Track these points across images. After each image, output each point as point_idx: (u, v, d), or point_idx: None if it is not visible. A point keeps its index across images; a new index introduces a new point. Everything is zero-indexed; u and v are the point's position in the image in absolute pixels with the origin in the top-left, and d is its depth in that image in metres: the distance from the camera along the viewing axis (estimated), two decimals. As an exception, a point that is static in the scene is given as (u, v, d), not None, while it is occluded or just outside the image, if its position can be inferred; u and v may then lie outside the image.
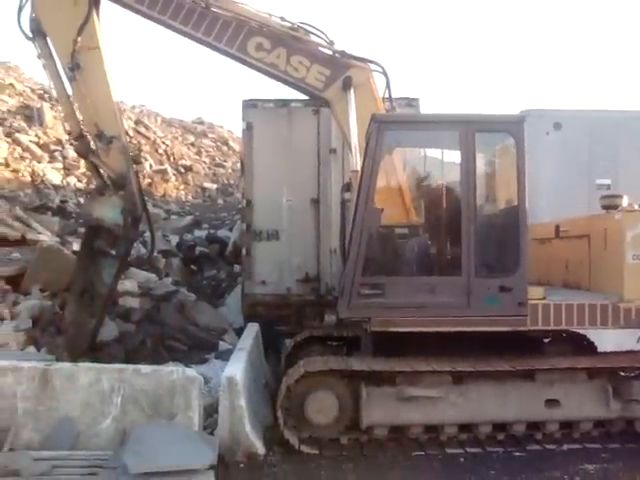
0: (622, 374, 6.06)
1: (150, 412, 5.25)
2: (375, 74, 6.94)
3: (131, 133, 19.63)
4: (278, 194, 8.77)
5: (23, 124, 15.71)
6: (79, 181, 15.22)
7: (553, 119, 9.25)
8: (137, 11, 6.74)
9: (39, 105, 16.97)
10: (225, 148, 26.73)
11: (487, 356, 5.87)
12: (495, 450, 5.78)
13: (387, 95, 7.04)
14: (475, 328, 5.77)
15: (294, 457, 5.53)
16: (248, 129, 8.81)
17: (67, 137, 14.28)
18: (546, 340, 6.52)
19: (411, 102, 8.74)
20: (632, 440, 5.95)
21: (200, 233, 14.58)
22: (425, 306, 5.78)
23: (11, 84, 18.19)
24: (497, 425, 5.92)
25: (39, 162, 14.58)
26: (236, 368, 5.59)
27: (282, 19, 6.84)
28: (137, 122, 22.81)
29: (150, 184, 18.43)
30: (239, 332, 8.64)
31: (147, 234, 8.76)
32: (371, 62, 6.91)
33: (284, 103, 8.81)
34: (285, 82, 6.95)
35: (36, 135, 15.60)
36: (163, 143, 22.43)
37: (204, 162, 23.95)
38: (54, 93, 7.14)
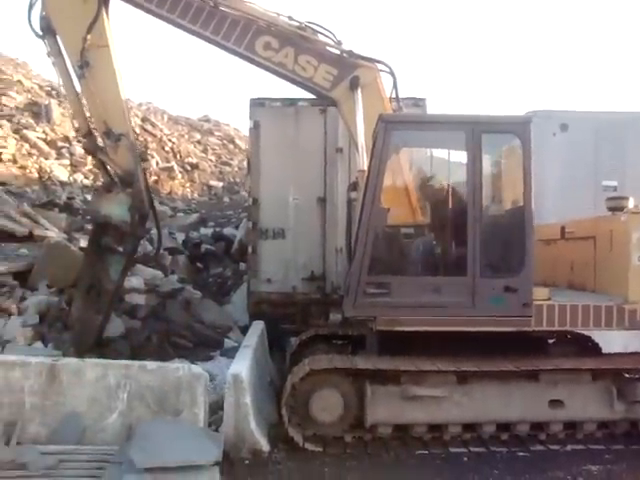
0: (626, 376, 6.07)
1: (156, 408, 5.28)
2: (382, 74, 6.97)
3: (138, 130, 19.65)
4: (284, 193, 8.80)
5: (31, 121, 15.74)
6: (86, 178, 15.27)
7: (560, 120, 9.24)
8: (146, 10, 6.77)
9: (47, 102, 17.01)
10: (231, 146, 26.75)
11: (491, 356, 5.88)
12: (499, 450, 5.79)
13: (394, 95, 7.06)
14: (480, 328, 5.78)
15: (298, 454, 5.55)
16: (255, 127, 8.84)
17: (75, 134, 14.39)
18: (550, 341, 6.53)
19: (418, 102, 8.75)
20: (636, 441, 5.96)
21: (206, 231, 14.59)
22: (430, 306, 5.80)
23: (19, 81, 18.22)
24: (501, 425, 5.94)
25: (46, 159, 14.63)
26: (241, 365, 5.62)
27: (290, 18, 6.87)
28: (144, 119, 22.84)
29: (156, 181, 18.47)
30: (244, 330, 8.67)
31: (153, 231, 8.80)
32: (378, 62, 6.93)
33: (291, 102, 8.84)
34: (293, 81, 6.97)
35: (44, 132, 15.64)
36: (169, 141, 22.46)
37: (210, 160, 23.98)
38: (63, 91, 7.16)
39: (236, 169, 24.14)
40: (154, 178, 18.39)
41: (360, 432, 5.83)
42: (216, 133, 27.50)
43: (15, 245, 9.26)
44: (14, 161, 13.51)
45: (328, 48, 6.91)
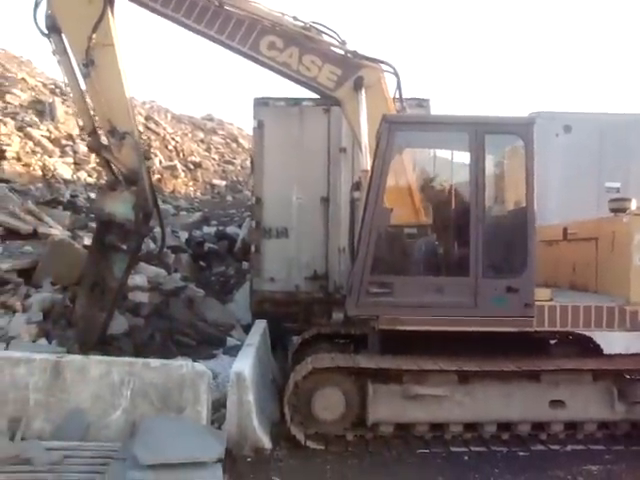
0: (627, 377, 6.09)
1: (159, 405, 5.31)
2: (386, 74, 6.97)
3: (141, 129, 19.68)
4: (288, 192, 8.83)
5: (35, 118, 15.76)
6: (89, 176, 15.29)
7: (563, 121, 9.26)
8: (151, 9, 6.79)
9: (51, 100, 17.04)
10: (234, 145, 26.75)
11: (493, 356, 5.91)
12: (499, 449, 5.82)
13: (398, 95, 7.06)
14: (482, 328, 5.80)
15: (300, 452, 5.59)
16: (259, 127, 8.86)
17: (79, 132, 14.44)
18: (552, 341, 6.55)
19: (422, 103, 8.77)
20: (636, 442, 5.97)
21: (209, 229, 14.62)
22: (432, 305, 5.83)
23: (23, 79, 18.25)
24: (502, 425, 5.96)
25: (50, 156, 14.64)
26: (244, 364, 5.65)
27: (295, 18, 6.87)
28: (147, 118, 22.86)
29: (159, 180, 18.47)
30: (247, 328, 8.70)
31: (157, 230, 8.83)
32: (382, 62, 6.94)
33: (295, 102, 8.86)
34: (297, 81, 6.98)
35: (47, 130, 15.66)
36: (173, 139, 22.47)
37: (213, 159, 23.98)
38: (68, 89, 7.20)
39: (239, 168, 24.15)
40: (157, 177, 18.39)
41: (362, 431, 5.86)
42: (219, 132, 27.51)
43: (19, 242, 9.28)
44: (18, 159, 13.53)
45: (332, 48, 6.91)
